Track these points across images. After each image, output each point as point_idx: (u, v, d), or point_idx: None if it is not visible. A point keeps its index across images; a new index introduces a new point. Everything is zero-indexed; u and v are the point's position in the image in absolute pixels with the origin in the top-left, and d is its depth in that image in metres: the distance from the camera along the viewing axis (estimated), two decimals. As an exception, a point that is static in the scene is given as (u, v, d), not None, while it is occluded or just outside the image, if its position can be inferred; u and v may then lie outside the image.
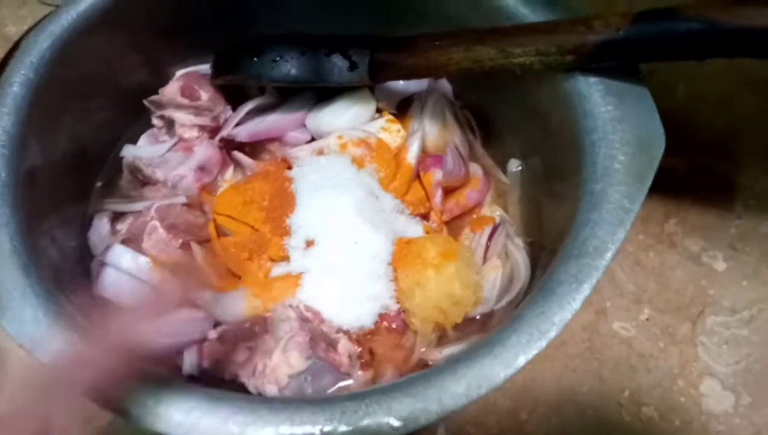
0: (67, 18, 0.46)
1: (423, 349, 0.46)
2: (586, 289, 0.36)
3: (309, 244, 0.48)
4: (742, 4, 0.38)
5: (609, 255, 0.37)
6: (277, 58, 0.50)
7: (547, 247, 0.49)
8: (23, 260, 0.36)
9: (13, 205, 0.39)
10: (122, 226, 0.51)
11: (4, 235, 0.37)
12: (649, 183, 0.39)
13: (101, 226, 0.51)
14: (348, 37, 0.52)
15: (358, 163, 0.53)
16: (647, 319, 0.52)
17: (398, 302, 0.47)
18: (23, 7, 0.78)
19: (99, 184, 0.53)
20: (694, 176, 0.58)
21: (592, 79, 0.44)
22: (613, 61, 0.43)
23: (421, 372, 0.35)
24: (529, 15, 0.48)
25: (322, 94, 0.57)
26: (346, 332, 0.45)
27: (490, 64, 0.45)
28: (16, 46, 0.44)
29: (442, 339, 0.47)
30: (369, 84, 0.54)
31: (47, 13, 0.46)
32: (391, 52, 0.50)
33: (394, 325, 0.47)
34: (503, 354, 0.34)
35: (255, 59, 0.51)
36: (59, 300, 0.36)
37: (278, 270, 0.48)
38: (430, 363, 0.45)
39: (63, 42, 0.45)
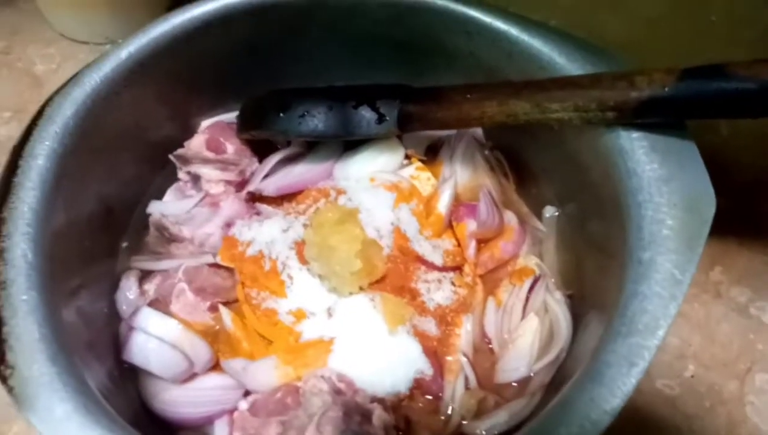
0: (90, 82, 0.45)
1: (465, 422, 0.44)
2: (637, 373, 0.34)
3: (330, 312, 0.47)
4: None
5: (661, 333, 0.35)
6: (304, 114, 0.49)
7: (589, 300, 0.47)
8: (52, 348, 0.35)
9: (40, 287, 0.37)
10: (150, 287, 0.50)
11: (33, 323, 0.35)
12: (700, 250, 0.37)
13: (129, 286, 0.50)
14: (376, 88, 0.50)
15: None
16: (692, 377, 0.50)
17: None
18: (51, 46, 0.78)
19: (125, 244, 0.52)
20: (739, 219, 0.55)
21: (635, 135, 0.41)
22: (657, 118, 0.41)
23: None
24: (566, 65, 0.46)
25: (349, 141, 0.55)
26: (381, 400, 0.44)
27: (525, 118, 0.43)
28: (39, 114, 0.43)
29: (482, 405, 0.45)
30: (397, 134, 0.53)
31: (75, 54, 0.45)
32: (421, 104, 0.48)
33: (429, 392, 0.45)
34: (553, 448, 0.32)
35: (281, 115, 0.49)
36: (88, 389, 0.35)
37: (309, 334, 0.46)
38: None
39: (87, 107, 0.44)
